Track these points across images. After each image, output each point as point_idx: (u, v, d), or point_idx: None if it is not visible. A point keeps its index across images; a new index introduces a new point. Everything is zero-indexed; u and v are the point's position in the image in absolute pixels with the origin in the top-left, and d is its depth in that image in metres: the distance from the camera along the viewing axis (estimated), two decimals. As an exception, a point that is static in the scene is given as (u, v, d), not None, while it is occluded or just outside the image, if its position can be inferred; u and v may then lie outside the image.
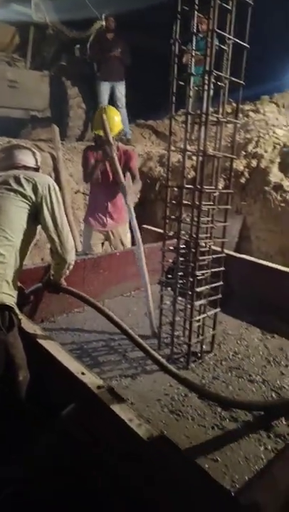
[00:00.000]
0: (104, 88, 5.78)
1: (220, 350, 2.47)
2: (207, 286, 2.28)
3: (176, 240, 2.25)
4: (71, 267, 2.00)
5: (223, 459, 1.62)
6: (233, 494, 1.03)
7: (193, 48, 2.00)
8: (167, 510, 1.14)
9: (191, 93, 2.03)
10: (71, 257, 1.94)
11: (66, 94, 6.23)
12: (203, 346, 2.38)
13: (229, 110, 5.48)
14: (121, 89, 5.81)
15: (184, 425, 1.80)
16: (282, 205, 3.97)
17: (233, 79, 1.99)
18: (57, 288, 2.13)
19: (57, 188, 1.85)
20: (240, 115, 5.44)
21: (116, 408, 1.28)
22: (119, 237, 3.41)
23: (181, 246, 2.31)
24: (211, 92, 1.99)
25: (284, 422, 1.82)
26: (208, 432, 1.77)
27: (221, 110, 2.07)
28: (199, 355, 2.36)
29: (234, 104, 4.16)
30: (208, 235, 2.25)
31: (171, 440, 1.18)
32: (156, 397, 1.98)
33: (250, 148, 4.56)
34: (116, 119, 3.11)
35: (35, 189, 1.79)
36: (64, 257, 1.92)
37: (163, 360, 1.87)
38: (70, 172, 4.73)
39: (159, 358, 1.86)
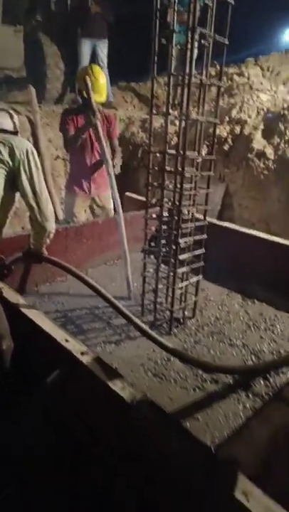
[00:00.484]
0: (86, 46, 5.44)
1: (202, 316, 2.53)
2: (190, 254, 2.29)
3: (159, 207, 2.23)
4: (51, 235, 1.96)
5: (204, 418, 1.69)
6: (212, 450, 1.09)
7: (176, 1, 1.89)
8: (150, 467, 1.20)
9: (174, 53, 1.94)
10: (51, 225, 1.90)
11: (42, 53, 5.84)
12: (186, 312, 2.43)
13: (213, 73, 5.31)
14: (103, 48, 5.49)
15: (166, 388, 1.87)
16: (265, 172, 3.96)
17: (218, 37, 1.91)
18: (38, 257, 2.10)
19: (35, 152, 1.78)
20: (224, 78, 5.28)
21: (100, 373, 1.30)
22: (102, 204, 3.36)
23: (164, 214, 2.29)
24: (195, 52, 1.91)
25: (262, 382, 1.91)
26: (190, 393, 1.84)
27: (204, 72, 2.00)
28: (182, 321, 2.41)
29: (218, 67, 4.03)
30: (191, 202, 2.23)
31: (154, 402, 1.22)
32: (139, 362, 2.03)
33: (233, 113, 4.47)
34: (101, 82, 2.91)
35: (12, 154, 1.71)
36: (43, 225, 1.87)
37: (144, 326, 1.89)
38: (49, 137, 4.55)
39: (142, 324, 1.89)
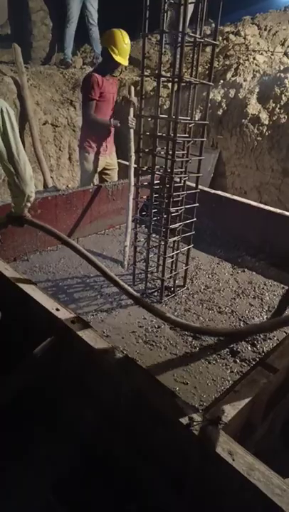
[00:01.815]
0: (75, 1, 5.11)
1: (192, 285, 2.56)
2: (181, 223, 2.28)
3: (150, 175, 2.19)
4: (31, 199, 1.84)
5: (192, 382, 1.75)
6: (200, 411, 1.13)
7: None
8: (143, 431, 1.24)
9: (167, 8, 1.83)
10: (30, 189, 1.77)
11: (28, 8, 5.46)
12: (176, 281, 2.46)
13: (208, 32, 5.06)
14: (93, 2, 5.17)
15: (157, 354, 1.91)
16: (259, 139, 3.88)
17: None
18: (20, 221, 2.00)
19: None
20: (220, 38, 5.04)
21: (90, 340, 1.32)
22: (113, 162, 3.47)
23: (156, 182, 2.26)
24: (190, 10, 1.80)
25: (249, 348, 1.97)
26: (180, 359, 1.89)
27: (198, 30, 1.90)
28: (172, 289, 2.44)
29: (213, 25, 3.85)
30: (183, 169, 2.20)
31: (144, 368, 1.25)
32: (130, 330, 2.07)
33: (228, 75, 4.31)
34: (127, 43, 2.94)
35: None
36: (22, 189, 1.75)
37: (133, 291, 1.89)
38: (37, 100, 4.36)
39: (131, 290, 1.89)
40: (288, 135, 3.69)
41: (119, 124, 3.14)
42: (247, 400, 1.19)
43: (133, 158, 2.73)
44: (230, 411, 1.15)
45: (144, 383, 1.19)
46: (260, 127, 3.88)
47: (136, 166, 2.28)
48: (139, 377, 1.21)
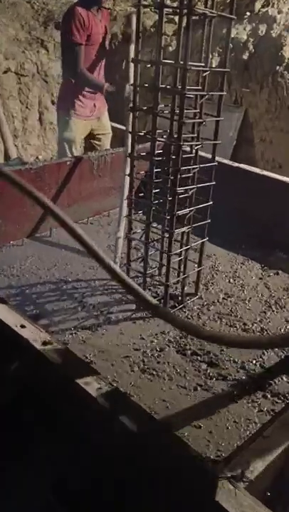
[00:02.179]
0: None
1: (207, 293, 2.57)
2: (192, 208, 2.28)
3: (149, 143, 2.19)
4: None
5: (207, 425, 1.76)
6: (216, 463, 1.14)
7: None
8: (139, 490, 1.25)
9: None
10: None
11: None
12: (186, 288, 2.46)
13: None
14: None
15: (159, 387, 1.92)
16: (299, 93, 3.90)
17: None
18: None
19: None
20: None
21: (68, 367, 1.33)
22: (105, 126, 3.59)
23: (158, 151, 2.25)
24: None
25: (284, 379, 1.98)
26: (190, 393, 1.90)
27: None
28: (180, 298, 2.44)
29: None
30: (195, 134, 2.20)
31: (141, 406, 1.26)
32: (123, 353, 2.08)
33: (257, 6, 4.31)
34: None
35: None
36: None
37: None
38: (-6, 40, 4.36)
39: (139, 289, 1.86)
40: None
41: (113, 89, 3.18)
42: (281, 449, 1.20)
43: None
44: (257, 464, 1.16)
45: (140, 427, 1.20)
46: (301, 77, 3.90)
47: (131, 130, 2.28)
48: (135, 418, 1.22)
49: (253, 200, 3.05)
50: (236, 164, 3.16)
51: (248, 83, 4.13)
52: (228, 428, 1.76)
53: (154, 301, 1.83)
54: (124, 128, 3.67)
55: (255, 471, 1.14)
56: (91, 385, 1.28)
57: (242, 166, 3.14)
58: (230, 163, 3.18)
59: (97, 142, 3.67)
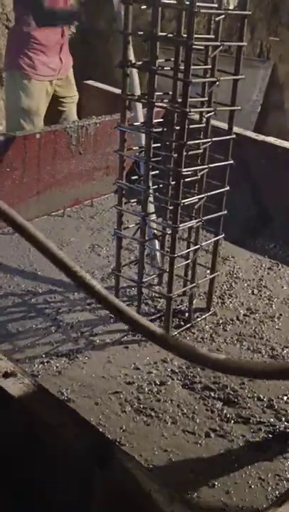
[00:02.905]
0: None
1: (223, 308, 2.57)
2: (202, 196, 2.29)
3: (145, 109, 2.20)
4: None
5: (224, 483, 1.75)
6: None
7: None
8: None
9: None
10: None
11: None
12: (195, 301, 2.46)
13: None
14: None
15: (159, 433, 1.91)
16: None
17: None
18: None
19: None
20: None
21: (37, 406, 1.33)
22: (71, 90, 3.61)
23: (157, 120, 2.26)
24: None
25: None
26: (200, 441, 1.90)
27: None
28: (187, 315, 2.45)
29: None
30: (206, 98, 2.21)
31: (134, 458, 1.26)
32: (111, 389, 2.08)
33: None
34: None
35: None
36: None
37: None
38: None
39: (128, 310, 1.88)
40: None
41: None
42: None
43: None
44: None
45: (134, 486, 1.20)
46: None
47: (119, 91, 2.29)
48: (126, 474, 1.22)
49: (282, 184, 3.06)
50: (261, 137, 3.16)
51: (277, 30, 4.16)
52: (250, 487, 1.76)
53: (149, 324, 1.84)
54: (111, 89, 3.69)
55: None
56: (67, 428, 1.29)
57: (268, 139, 3.14)
58: (253, 135, 3.18)
59: (60, 108, 3.67)
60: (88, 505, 1.30)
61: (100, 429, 1.87)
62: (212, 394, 2.08)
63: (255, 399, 2.08)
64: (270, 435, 1.94)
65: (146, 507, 1.17)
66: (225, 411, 2.02)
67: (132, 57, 2.25)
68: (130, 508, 1.20)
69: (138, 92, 2.45)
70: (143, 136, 2.29)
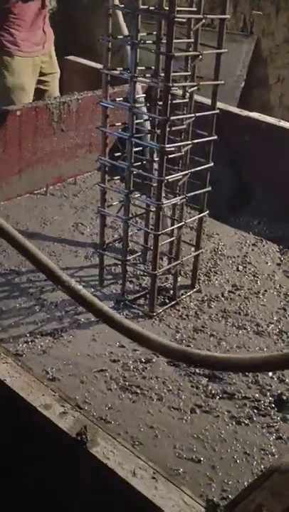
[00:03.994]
0: None
1: (208, 285, 2.58)
2: (185, 172, 2.28)
3: (127, 85, 2.18)
4: None
5: (209, 458, 1.77)
6: (220, 508, 1.16)
7: None
8: None
9: None
10: None
11: None
12: (180, 278, 2.47)
13: None
14: None
15: (144, 409, 1.93)
16: None
17: None
18: None
19: None
20: None
21: (20, 386, 1.32)
22: (53, 66, 3.60)
23: (139, 96, 2.23)
24: None
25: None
26: (186, 417, 1.91)
27: None
28: (172, 293, 2.45)
29: None
30: (189, 72, 2.19)
31: (116, 434, 1.26)
32: (97, 367, 2.08)
33: None
34: None
35: None
36: None
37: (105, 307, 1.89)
38: None
39: (99, 303, 1.88)
40: None
41: None
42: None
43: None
44: (275, 508, 1.17)
45: (118, 463, 1.21)
46: None
47: (101, 66, 2.26)
48: (111, 452, 1.23)
49: (267, 160, 3.05)
50: (245, 112, 3.16)
51: (260, 3, 4.12)
52: (236, 461, 1.78)
53: (104, 307, 1.83)
54: (94, 65, 3.65)
55: (271, 515, 1.15)
56: (51, 408, 1.28)
57: (253, 114, 3.14)
58: (237, 110, 3.18)
59: (43, 87, 3.62)
60: (76, 484, 1.31)
61: (86, 407, 1.88)
62: (197, 370, 2.09)
63: (240, 375, 2.08)
64: (255, 410, 1.96)
65: (131, 484, 1.18)
66: (210, 387, 2.03)
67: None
68: (116, 485, 1.21)
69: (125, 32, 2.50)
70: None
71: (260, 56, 4.14)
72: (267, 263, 2.77)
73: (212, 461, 1.77)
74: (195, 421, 1.90)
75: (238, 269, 2.71)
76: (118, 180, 2.47)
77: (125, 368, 2.09)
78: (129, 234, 2.40)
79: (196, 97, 2.26)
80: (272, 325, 2.36)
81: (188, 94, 2.22)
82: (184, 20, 2.09)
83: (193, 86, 2.20)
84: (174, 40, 1.98)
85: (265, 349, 2.24)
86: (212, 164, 2.35)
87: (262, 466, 1.76)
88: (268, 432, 1.88)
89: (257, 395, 2.01)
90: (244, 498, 1.20)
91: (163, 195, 2.17)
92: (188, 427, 1.88)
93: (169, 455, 1.78)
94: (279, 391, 2.03)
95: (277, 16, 4.08)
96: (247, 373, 2.08)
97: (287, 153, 3.00)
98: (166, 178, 2.17)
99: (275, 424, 1.91)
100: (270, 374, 2.10)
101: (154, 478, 1.15)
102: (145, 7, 2.08)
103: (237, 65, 4.01)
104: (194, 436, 1.85)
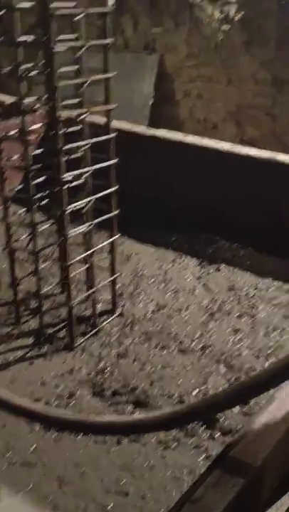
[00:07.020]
0: None
1: (131, 307, 2.58)
2: (89, 199, 2.29)
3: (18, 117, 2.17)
4: None
5: (138, 489, 1.75)
6: None
7: None
8: None
9: None
10: None
11: None
12: (98, 305, 2.46)
13: None
14: None
15: (70, 446, 1.90)
16: (226, 26, 3.97)
17: None
18: None
19: None
20: None
21: None
22: None
23: (35, 126, 2.23)
24: None
25: (235, 411, 2.01)
26: (113, 449, 1.89)
27: None
28: (92, 321, 2.44)
29: None
30: (76, 100, 2.19)
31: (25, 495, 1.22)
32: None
33: None
34: None
35: None
36: None
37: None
38: None
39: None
40: (275, 15, 3.81)
41: None
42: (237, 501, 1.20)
43: None
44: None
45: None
46: (224, 7, 3.97)
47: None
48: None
49: (180, 178, 3.08)
50: (150, 131, 3.17)
51: (161, 18, 4.15)
52: (165, 488, 1.76)
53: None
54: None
55: None
56: None
57: (158, 132, 3.15)
58: (140, 130, 3.18)
59: None
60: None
61: (10, 452, 1.85)
62: (122, 398, 2.08)
63: (166, 396, 2.09)
64: (181, 432, 1.94)
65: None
66: (137, 413, 2.01)
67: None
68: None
69: None
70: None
71: (165, 72, 4.16)
72: (187, 279, 2.79)
73: (141, 492, 1.75)
74: (122, 452, 1.88)
75: (158, 288, 2.72)
76: (24, 212, 2.43)
77: (48, 406, 2.05)
78: (42, 266, 2.37)
79: (92, 118, 2.25)
80: (196, 341, 2.37)
81: (82, 117, 2.21)
82: (64, 49, 2.08)
83: (83, 113, 2.19)
84: (63, 69, 2.00)
85: (190, 367, 2.23)
86: (117, 187, 2.35)
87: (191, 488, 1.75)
88: (196, 453, 1.87)
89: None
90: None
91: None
92: (116, 459, 1.86)
93: (97, 491, 1.75)
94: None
95: (178, 31, 4.13)
96: (173, 394, 2.08)
97: (199, 168, 3.04)
98: (68, 207, 2.17)
99: (203, 444, 1.90)
100: (194, 393, 2.10)
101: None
102: (24, 38, 2.04)
103: (143, 84, 4.02)
104: (122, 468, 1.83)
